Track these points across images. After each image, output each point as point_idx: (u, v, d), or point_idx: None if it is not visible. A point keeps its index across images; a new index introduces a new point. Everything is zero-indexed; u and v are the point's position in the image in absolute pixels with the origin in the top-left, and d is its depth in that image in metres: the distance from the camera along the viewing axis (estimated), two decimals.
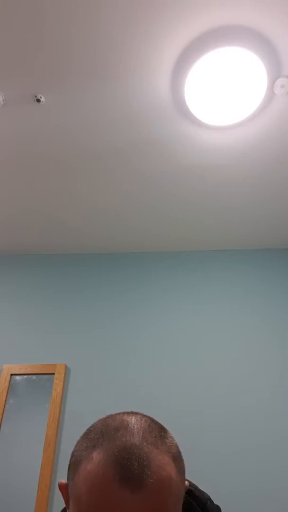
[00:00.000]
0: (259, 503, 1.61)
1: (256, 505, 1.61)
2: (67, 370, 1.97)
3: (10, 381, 1.94)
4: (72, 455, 0.58)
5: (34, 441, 1.80)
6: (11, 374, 1.96)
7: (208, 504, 0.65)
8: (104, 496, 0.49)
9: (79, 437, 0.61)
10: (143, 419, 0.58)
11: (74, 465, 0.56)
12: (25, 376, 1.97)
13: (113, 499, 0.48)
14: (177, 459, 0.56)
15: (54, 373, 1.94)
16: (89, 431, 0.58)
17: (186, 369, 1.94)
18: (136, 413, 0.59)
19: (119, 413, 0.59)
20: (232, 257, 2.29)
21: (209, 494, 0.67)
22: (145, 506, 0.49)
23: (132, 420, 0.57)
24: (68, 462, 0.59)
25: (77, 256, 2.38)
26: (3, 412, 1.87)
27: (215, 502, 0.67)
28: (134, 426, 0.55)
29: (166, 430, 0.59)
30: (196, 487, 0.66)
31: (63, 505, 0.64)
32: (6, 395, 1.90)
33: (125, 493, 0.48)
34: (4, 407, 1.88)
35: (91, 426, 0.59)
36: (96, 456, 0.52)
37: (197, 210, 2.08)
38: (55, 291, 2.25)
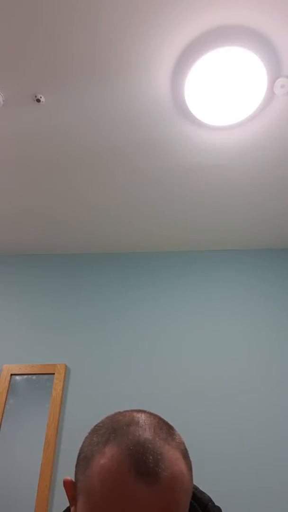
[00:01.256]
0: (259, 504, 1.61)
1: (256, 505, 1.61)
2: (67, 370, 1.97)
3: (10, 381, 1.94)
4: (81, 451, 0.57)
5: (34, 441, 1.80)
6: (11, 374, 1.96)
7: (209, 505, 0.65)
8: (118, 489, 0.49)
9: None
10: (152, 416, 0.59)
11: (84, 460, 0.55)
12: (25, 376, 1.97)
13: (127, 492, 0.49)
14: (186, 456, 0.57)
15: (54, 373, 1.94)
16: (98, 427, 0.58)
17: (186, 369, 1.94)
18: (144, 411, 0.60)
19: (127, 410, 0.60)
20: (232, 257, 2.29)
21: (210, 495, 0.67)
22: (159, 499, 0.49)
23: (142, 416, 0.58)
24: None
25: (77, 256, 2.38)
26: (3, 412, 1.87)
27: (216, 502, 0.67)
28: (145, 422, 0.56)
29: (173, 428, 0.59)
30: (197, 488, 0.66)
31: (63, 505, 0.64)
32: (6, 395, 1.90)
33: (140, 486, 0.49)
34: (4, 407, 1.88)
35: (99, 423, 0.59)
36: (109, 450, 0.52)
37: (197, 210, 2.08)
38: (55, 291, 2.25)
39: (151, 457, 0.51)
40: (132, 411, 0.59)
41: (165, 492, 0.50)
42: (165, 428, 0.57)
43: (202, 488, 0.67)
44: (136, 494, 0.49)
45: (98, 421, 0.60)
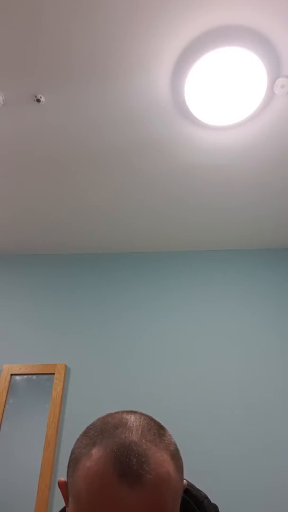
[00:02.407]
0: (260, 504, 1.61)
1: (257, 505, 1.61)
2: (67, 370, 1.97)
3: (10, 381, 1.94)
4: (72, 453, 0.58)
5: (34, 441, 1.80)
6: (11, 374, 1.96)
7: (205, 502, 0.65)
8: (103, 492, 0.49)
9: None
10: (142, 417, 0.58)
11: (73, 462, 0.56)
12: (25, 376, 1.97)
13: (112, 495, 0.49)
14: (175, 457, 0.56)
15: (54, 373, 1.94)
16: (88, 429, 0.58)
17: (186, 369, 1.94)
18: (135, 412, 0.60)
19: (118, 412, 0.60)
20: (232, 257, 2.29)
21: (209, 494, 0.67)
22: (144, 502, 0.49)
23: (131, 418, 0.57)
24: (68, 462, 0.59)
25: (77, 256, 2.38)
26: (3, 412, 1.87)
27: (215, 501, 0.67)
28: (133, 424, 0.56)
29: (164, 428, 0.59)
30: (193, 486, 0.66)
31: (63, 505, 0.64)
32: (6, 395, 1.90)
33: (123, 489, 0.49)
34: (4, 407, 1.88)
35: (90, 424, 0.60)
36: (96, 453, 0.53)
37: (197, 210, 2.08)
38: (55, 291, 2.25)
39: (134, 459, 0.51)
40: (123, 412, 0.59)
41: (150, 495, 0.49)
42: (154, 429, 0.56)
43: (201, 487, 0.67)
44: (120, 496, 0.49)
45: None
